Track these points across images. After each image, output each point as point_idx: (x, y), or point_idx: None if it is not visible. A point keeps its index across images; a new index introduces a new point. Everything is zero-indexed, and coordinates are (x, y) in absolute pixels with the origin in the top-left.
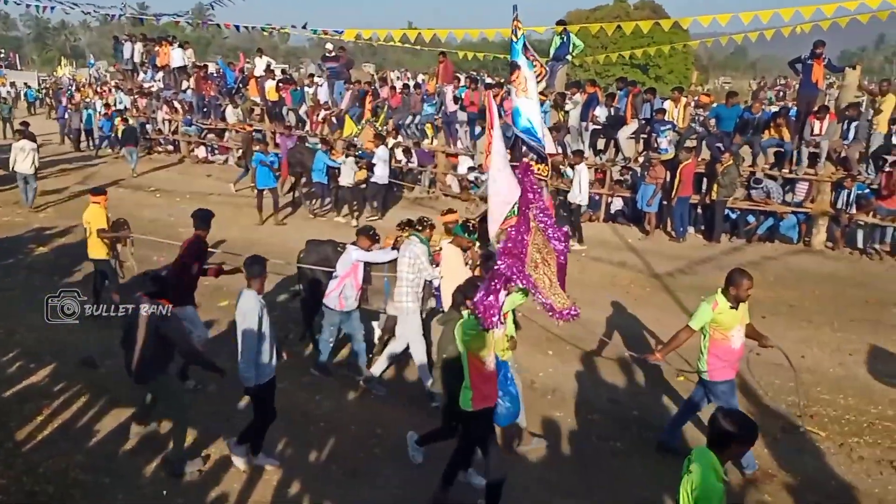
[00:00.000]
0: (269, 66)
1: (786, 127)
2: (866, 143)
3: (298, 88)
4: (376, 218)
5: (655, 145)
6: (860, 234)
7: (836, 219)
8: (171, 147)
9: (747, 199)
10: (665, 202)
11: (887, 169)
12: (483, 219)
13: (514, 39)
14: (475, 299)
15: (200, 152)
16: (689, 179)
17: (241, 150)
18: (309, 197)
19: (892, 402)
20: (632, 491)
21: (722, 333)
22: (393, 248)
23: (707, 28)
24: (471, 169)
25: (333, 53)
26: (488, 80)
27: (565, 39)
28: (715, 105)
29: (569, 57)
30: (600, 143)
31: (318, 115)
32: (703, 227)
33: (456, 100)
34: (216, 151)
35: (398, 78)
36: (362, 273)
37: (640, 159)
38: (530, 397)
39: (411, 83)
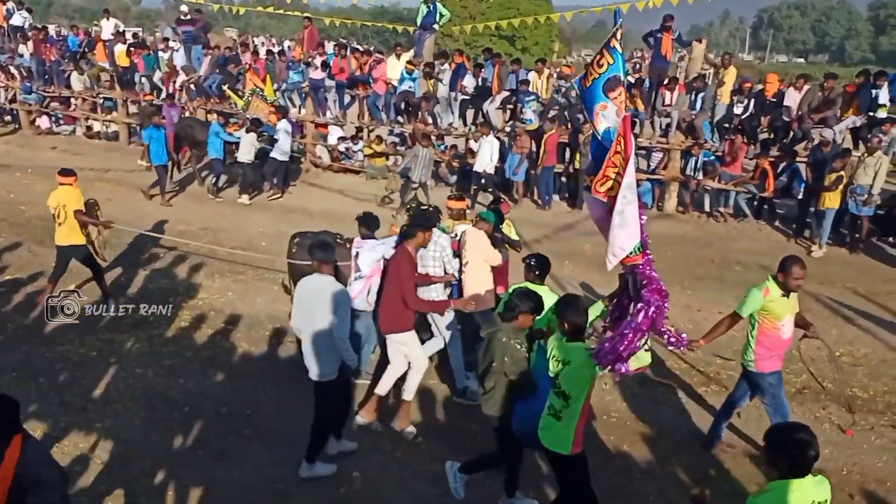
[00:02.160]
0: (117, 28)
1: (639, 98)
2: (711, 113)
3: (152, 53)
4: (277, 196)
5: (521, 115)
6: (707, 199)
7: (686, 184)
8: (8, 117)
9: None
10: (532, 171)
11: (729, 137)
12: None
13: (620, 50)
14: (611, 337)
15: (43, 122)
16: (553, 149)
17: (138, 125)
18: (207, 171)
19: (735, 353)
20: None
21: (772, 322)
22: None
23: (570, 1)
24: (341, 139)
25: (189, 16)
26: (357, 48)
27: (432, 8)
28: (576, 77)
29: (436, 26)
30: (469, 114)
31: (174, 82)
32: (567, 195)
33: (325, 66)
34: (61, 121)
35: (262, 44)
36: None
37: (507, 129)
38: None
39: (276, 49)
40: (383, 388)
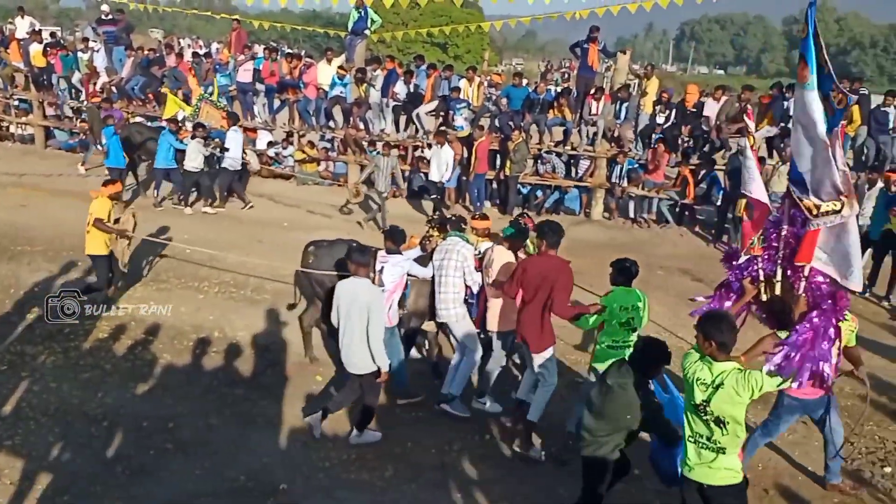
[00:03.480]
0: (33, 27)
1: (567, 107)
2: (635, 122)
3: (70, 54)
4: (219, 208)
5: (452, 122)
6: (631, 205)
7: (611, 191)
8: None
9: (536, 174)
10: (463, 178)
11: (652, 146)
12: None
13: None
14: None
15: None
16: (484, 156)
17: (88, 127)
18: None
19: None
20: (427, 452)
21: None
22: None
23: (500, 10)
24: (271, 144)
25: (110, 16)
26: (288, 51)
27: (363, 14)
28: (506, 85)
29: (367, 31)
30: (402, 121)
31: (94, 84)
32: (498, 201)
33: (254, 71)
34: None
35: (189, 46)
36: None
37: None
38: (333, 375)
39: (202, 52)
40: (534, 414)
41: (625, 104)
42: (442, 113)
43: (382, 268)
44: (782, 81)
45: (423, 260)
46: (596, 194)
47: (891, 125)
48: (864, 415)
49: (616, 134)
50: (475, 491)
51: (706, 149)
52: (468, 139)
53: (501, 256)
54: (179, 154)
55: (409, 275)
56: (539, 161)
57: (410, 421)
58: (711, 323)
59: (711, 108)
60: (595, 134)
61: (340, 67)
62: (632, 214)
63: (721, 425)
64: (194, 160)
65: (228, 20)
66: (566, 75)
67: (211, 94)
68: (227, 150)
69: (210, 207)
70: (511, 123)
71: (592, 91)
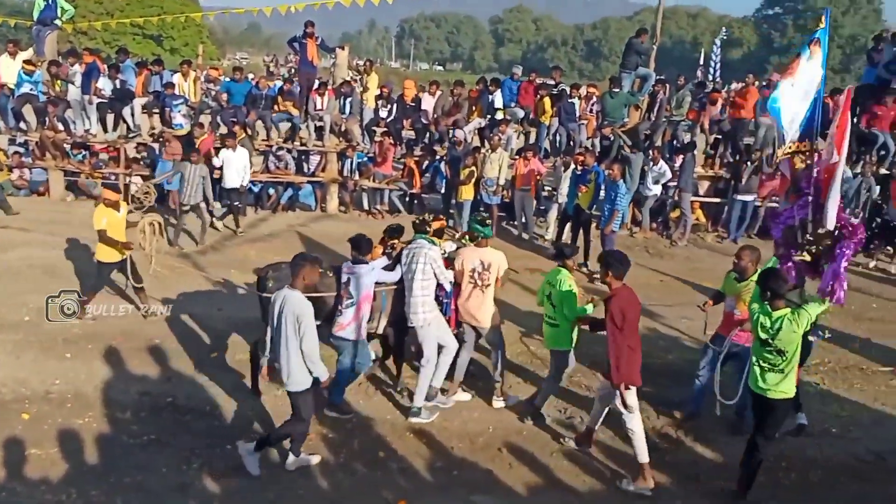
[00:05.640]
0: None
1: (292, 102)
2: (361, 117)
3: None
4: None
5: (170, 120)
6: (365, 197)
7: (345, 185)
8: None
9: (266, 171)
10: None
11: (378, 139)
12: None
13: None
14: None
15: None
16: (207, 155)
17: None
18: None
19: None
20: (162, 477)
21: None
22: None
23: (219, 1)
24: None
25: None
26: None
27: (51, 2)
28: (226, 79)
29: (58, 21)
30: (109, 120)
31: None
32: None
33: None
34: None
35: None
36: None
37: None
38: (47, 409)
39: None
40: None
41: (349, 99)
42: (156, 111)
43: (349, 279)
44: (486, 77)
45: (390, 268)
46: (330, 189)
47: (578, 114)
48: None
49: (343, 128)
50: None
51: (427, 140)
52: (188, 137)
53: (499, 257)
54: None
55: (377, 284)
56: (269, 158)
57: (139, 446)
58: (769, 277)
59: (429, 103)
60: (322, 129)
61: (27, 62)
62: (366, 206)
63: (782, 354)
64: None
65: None
66: (293, 70)
67: None
68: None
69: None
70: (235, 119)
71: (316, 86)
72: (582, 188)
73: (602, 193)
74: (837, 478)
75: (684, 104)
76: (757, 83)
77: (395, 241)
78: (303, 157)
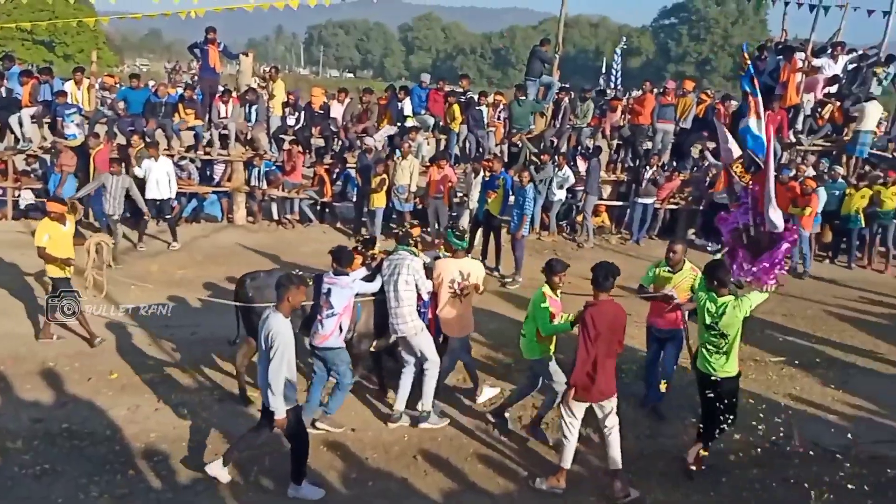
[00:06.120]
0: None
1: (194, 112)
2: (267, 124)
3: None
4: None
5: (62, 130)
6: (274, 207)
7: (252, 195)
8: None
9: None
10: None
11: (286, 147)
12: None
13: (742, 72)
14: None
15: None
16: (104, 165)
17: None
18: None
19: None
20: None
21: None
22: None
23: (115, 6)
24: None
25: None
26: None
27: None
28: (122, 87)
29: None
30: None
31: None
32: (128, 215)
33: None
34: None
35: None
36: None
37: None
38: None
39: None
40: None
41: (254, 106)
42: (47, 120)
43: (329, 290)
44: (394, 85)
45: (370, 278)
46: (237, 199)
47: (486, 121)
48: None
49: (249, 136)
50: None
51: (336, 148)
52: (83, 148)
53: (448, 267)
54: None
55: (357, 296)
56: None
57: (31, 477)
58: (716, 269)
59: (337, 110)
60: (227, 137)
61: None
62: (275, 216)
63: (724, 337)
64: None
65: None
66: (195, 77)
67: None
68: None
69: None
70: (133, 128)
71: (220, 93)
72: (491, 194)
73: (511, 199)
74: (737, 464)
75: (588, 112)
76: (655, 90)
77: (374, 251)
78: (207, 166)
